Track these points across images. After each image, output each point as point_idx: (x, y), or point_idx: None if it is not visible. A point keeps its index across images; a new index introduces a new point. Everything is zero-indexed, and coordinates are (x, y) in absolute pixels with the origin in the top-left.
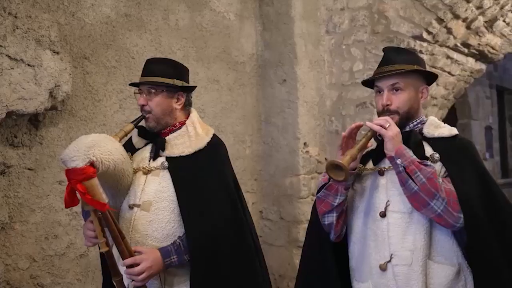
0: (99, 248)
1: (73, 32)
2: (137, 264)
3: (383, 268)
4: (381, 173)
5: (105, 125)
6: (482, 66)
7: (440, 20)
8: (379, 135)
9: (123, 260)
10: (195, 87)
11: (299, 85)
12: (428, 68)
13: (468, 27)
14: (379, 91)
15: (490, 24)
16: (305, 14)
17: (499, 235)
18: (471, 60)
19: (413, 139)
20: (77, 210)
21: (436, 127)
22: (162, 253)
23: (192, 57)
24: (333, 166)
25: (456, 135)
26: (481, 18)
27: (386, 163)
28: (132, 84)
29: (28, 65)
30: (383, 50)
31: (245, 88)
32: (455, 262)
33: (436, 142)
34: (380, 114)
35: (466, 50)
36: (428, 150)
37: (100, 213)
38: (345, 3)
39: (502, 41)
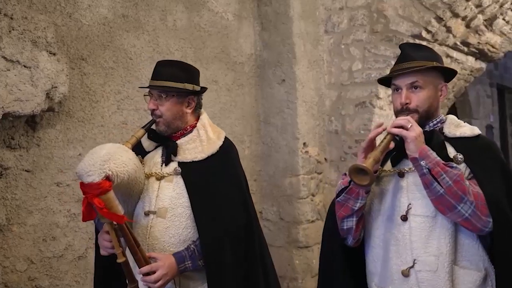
0: (116, 259)
1: (70, 33)
2: (153, 272)
3: (405, 274)
4: (401, 175)
5: (103, 126)
6: (482, 65)
7: (439, 19)
8: (398, 135)
9: (139, 268)
10: (206, 89)
11: (298, 85)
12: None
13: (467, 26)
14: (397, 89)
15: (489, 22)
16: (303, 14)
17: None
18: (471, 59)
19: (435, 139)
20: (75, 211)
21: (456, 126)
22: (177, 259)
23: (190, 58)
24: (357, 171)
25: (478, 135)
26: (480, 16)
27: (406, 165)
28: (142, 87)
29: (25, 66)
30: (400, 46)
31: (244, 89)
32: (481, 267)
33: (458, 142)
34: (398, 113)
35: (465, 49)
36: (451, 151)
37: (116, 224)
38: (343, 2)
39: (502, 40)
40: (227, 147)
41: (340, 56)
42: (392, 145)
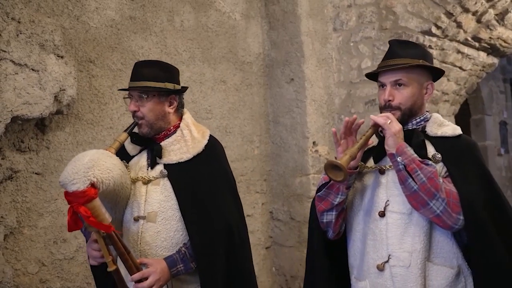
0: (107, 268)
1: (78, 36)
2: (146, 278)
3: (380, 268)
4: (382, 171)
5: (111, 128)
6: (494, 60)
7: (449, 14)
8: (381, 131)
9: (131, 275)
10: (187, 88)
11: (307, 83)
12: (438, 64)
13: (478, 21)
14: (382, 86)
15: (501, 17)
16: (311, 12)
17: (502, 237)
18: (482, 54)
19: (415, 139)
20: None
21: (439, 125)
22: (168, 263)
23: (198, 58)
24: (332, 166)
25: (460, 135)
26: (491, 11)
27: (387, 162)
28: (122, 89)
29: (32, 69)
30: (389, 42)
31: (253, 88)
32: (454, 264)
33: (439, 141)
34: (382, 109)
35: (477, 44)
36: (431, 150)
37: (104, 233)
38: None
39: None
40: (213, 146)
41: (349, 54)
42: (371, 141)
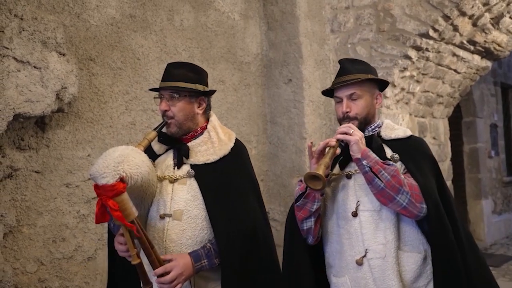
0: (131, 261)
1: (79, 34)
2: (168, 272)
3: (359, 262)
4: (349, 176)
5: (111, 127)
6: (488, 64)
7: (446, 18)
8: (343, 141)
9: (153, 269)
10: (215, 91)
11: (305, 84)
12: (434, 66)
13: (474, 24)
14: (339, 101)
15: (496, 21)
16: (309, 13)
17: (449, 218)
18: (477, 57)
19: (374, 143)
20: (84, 213)
21: (391, 129)
22: (193, 258)
23: (197, 58)
24: (311, 177)
25: (410, 136)
26: (487, 15)
27: (352, 167)
28: (153, 90)
29: (35, 67)
30: (339, 62)
31: (251, 88)
32: (421, 249)
33: (393, 143)
34: (340, 121)
35: (472, 48)
36: (388, 152)
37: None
38: (349, 1)
39: (508, 38)
40: (239, 148)
41: (347, 56)
42: (338, 151)
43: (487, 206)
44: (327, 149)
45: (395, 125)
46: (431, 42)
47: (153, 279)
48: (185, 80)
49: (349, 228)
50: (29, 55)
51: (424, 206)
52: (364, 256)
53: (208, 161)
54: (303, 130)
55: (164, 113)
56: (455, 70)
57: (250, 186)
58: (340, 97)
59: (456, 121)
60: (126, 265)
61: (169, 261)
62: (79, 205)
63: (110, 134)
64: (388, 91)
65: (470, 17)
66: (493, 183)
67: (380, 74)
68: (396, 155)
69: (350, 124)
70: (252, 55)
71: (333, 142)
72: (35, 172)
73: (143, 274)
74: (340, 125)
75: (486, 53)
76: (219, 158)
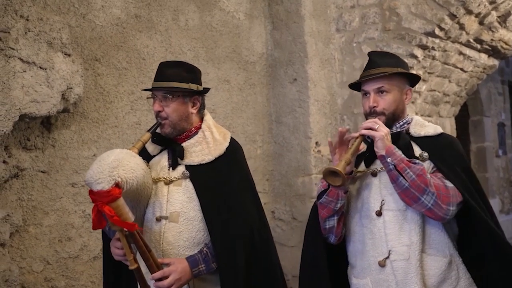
0: (129, 266)
1: (84, 34)
2: (166, 277)
3: (382, 264)
4: (374, 174)
5: (116, 127)
6: (495, 62)
7: (452, 16)
8: (369, 137)
9: (151, 274)
10: (209, 89)
11: (310, 84)
12: (440, 65)
13: (481, 23)
14: (366, 94)
15: (503, 19)
16: (314, 13)
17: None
18: (483, 56)
19: (402, 140)
20: (90, 212)
21: (421, 126)
22: (190, 263)
23: (202, 58)
24: (330, 173)
25: (441, 133)
26: (494, 13)
27: (378, 165)
28: (147, 90)
29: (40, 67)
30: (368, 54)
31: (256, 88)
32: (447, 253)
33: (422, 141)
34: (367, 116)
35: (479, 46)
36: (417, 150)
37: (127, 231)
38: (355, 0)
39: None
40: (234, 148)
41: (352, 55)
42: (363, 146)
43: (494, 206)
44: (350, 143)
45: (425, 122)
46: (437, 41)
47: (151, 283)
48: (178, 80)
49: (373, 227)
50: (34, 56)
51: (451, 208)
52: (387, 257)
53: (203, 162)
54: (308, 129)
55: (157, 114)
56: (461, 69)
57: (246, 186)
58: (367, 91)
59: (463, 120)
60: (122, 269)
61: (167, 265)
62: (85, 204)
63: (116, 134)
64: None
65: (477, 16)
66: (501, 183)
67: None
68: (425, 154)
69: (376, 120)
70: (257, 54)
71: (355, 134)
72: (41, 172)
73: (141, 279)
74: (366, 120)
75: (493, 52)
76: (214, 158)
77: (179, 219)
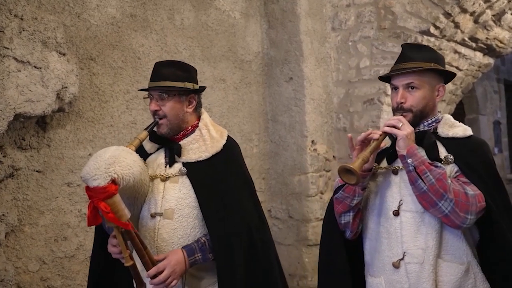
0: (124, 263)
1: (79, 34)
2: (161, 272)
3: (396, 265)
4: (395, 172)
5: (112, 126)
6: (490, 60)
7: (447, 15)
8: (391, 134)
9: (147, 271)
10: (205, 87)
11: (306, 82)
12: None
13: (475, 21)
14: (395, 88)
15: (498, 17)
16: (310, 11)
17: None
18: (479, 54)
19: (426, 140)
20: (85, 211)
21: (450, 126)
22: (186, 251)
23: (198, 57)
24: (345, 171)
25: (470, 136)
26: (489, 11)
27: (400, 163)
28: (143, 90)
29: (35, 67)
30: (402, 46)
31: (252, 87)
32: (464, 260)
33: (449, 142)
34: (394, 111)
35: (474, 45)
36: (442, 151)
37: (122, 228)
38: None
39: (510, 35)
40: (231, 146)
41: (348, 53)
42: (384, 143)
43: None
44: (371, 141)
45: (456, 122)
46: (432, 39)
47: (147, 280)
48: (174, 79)
49: (389, 227)
50: (29, 55)
51: (469, 217)
52: (402, 259)
53: (200, 159)
54: (304, 128)
55: (154, 113)
56: (457, 67)
57: (244, 183)
58: (396, 86)
59: (459, 118)
60: (109, 266)
61: (162, 261)
62: (81, 204)
63: (111, 133)
64: (389, 88)
65: (471, 14)
66: None
67: (381, 72)
68: (451, 157)
69: (401, 117)
70: (253, 53)
71: (376, 135)
72: (37, 171)
73: (137, 276)
74: (394, 115)
75: (488, 50)
76: (211, 155)
77: (174, 215)
